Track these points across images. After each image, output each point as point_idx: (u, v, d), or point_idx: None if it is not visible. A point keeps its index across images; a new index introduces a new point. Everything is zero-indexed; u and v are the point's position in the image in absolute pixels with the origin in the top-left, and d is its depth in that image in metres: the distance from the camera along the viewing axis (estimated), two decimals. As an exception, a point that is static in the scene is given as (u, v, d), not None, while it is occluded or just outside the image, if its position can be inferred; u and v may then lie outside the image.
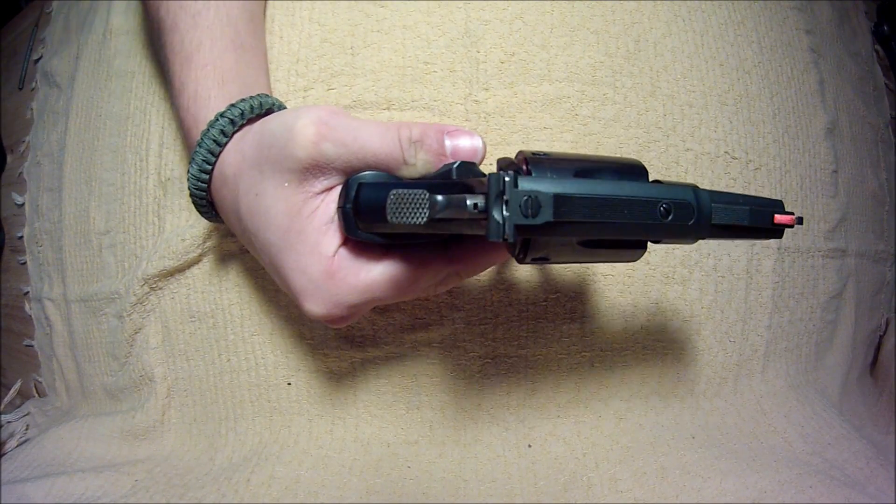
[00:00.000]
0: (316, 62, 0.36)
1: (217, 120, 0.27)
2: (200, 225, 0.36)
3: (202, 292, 0.37)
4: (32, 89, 0.50)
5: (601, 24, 0.37)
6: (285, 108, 0.30)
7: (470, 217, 0.19)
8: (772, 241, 0.40)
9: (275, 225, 0.25)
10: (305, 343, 0.37)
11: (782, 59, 0.42)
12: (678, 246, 0.38)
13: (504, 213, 0.18)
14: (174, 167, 0.38)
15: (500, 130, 0.35)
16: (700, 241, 0.38)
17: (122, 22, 0.43)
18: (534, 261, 0.22)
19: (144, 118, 0.40)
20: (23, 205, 0.48)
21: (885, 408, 0.45)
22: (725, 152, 0.39)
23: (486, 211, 0.18)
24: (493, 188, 0.18)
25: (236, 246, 0.37)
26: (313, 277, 0.25)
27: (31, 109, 0.49)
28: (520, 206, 0.18)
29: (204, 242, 0.36)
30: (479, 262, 0.26)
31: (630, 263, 0.37)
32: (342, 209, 0.25)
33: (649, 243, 0.25)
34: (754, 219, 0.23)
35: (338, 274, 0.25)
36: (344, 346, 0.37)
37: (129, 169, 0.40)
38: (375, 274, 0.25)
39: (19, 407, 0.46)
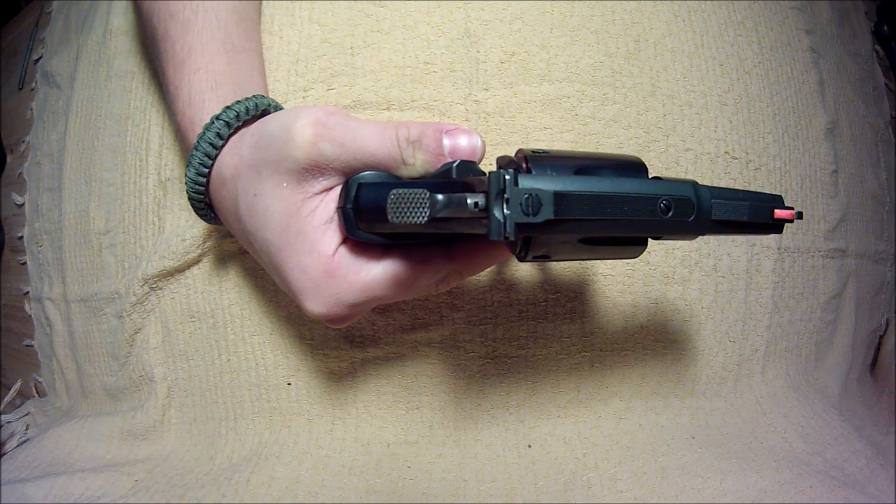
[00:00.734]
0: (316, 62, 0.36)
1: (213, 123, 0.27)
2: (200, 225, 0.36)
3: (202, 292, 0.37)
4: (32, 89, 0.50)
5: (601, 24, 0.37)
6: (282, 108, 0.30)
7: (470, 216, 0.19)
8: (772, 241, 0.40)
9: (274, 225, 0.25)
10: (305, 343, 0.37)
11: (782, 59, 0.42)
12: (678, 244, 0.38)
13: (505, 211, 0.18)
14: (174, 167, 0.38)
15: (499, 130, 0.35)
16: (700, 240, 0.38)
17: (122, 22, 0.43)
18: (535, 259, 0.22)
19: (144, 118, 0.40)
20: (23, 205, 0.48)
21: (885, 408, 0.45)
22: (725, 152, 0.39)
23: (487, 209, 0.18)
24: (494, 186, 0.18)
25: (236, 246, 0.37)
26: (313, 277, 0.25)
27: (31, 109, 0.49)
28: (520, 204, 0.18)
29: (204, 242, 0.36)
30: (480, 260, 0.26)
31: (630, 263, 0.37)
32: (342, 209, 0.25)
33: (650, 240, 0.25)
34: (754, 214, 0.23)
35: (337, 273, 0.25)
36: (344, 346, 0.37)
37: (129, 169, 0.40)
38: (375, 273, 0.25)
39: (19, 407, 0.46)
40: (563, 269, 0.36)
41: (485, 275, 0.36)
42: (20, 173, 0.49)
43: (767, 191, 0.40)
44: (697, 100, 0.38)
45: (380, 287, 0.25)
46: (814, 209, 0.43)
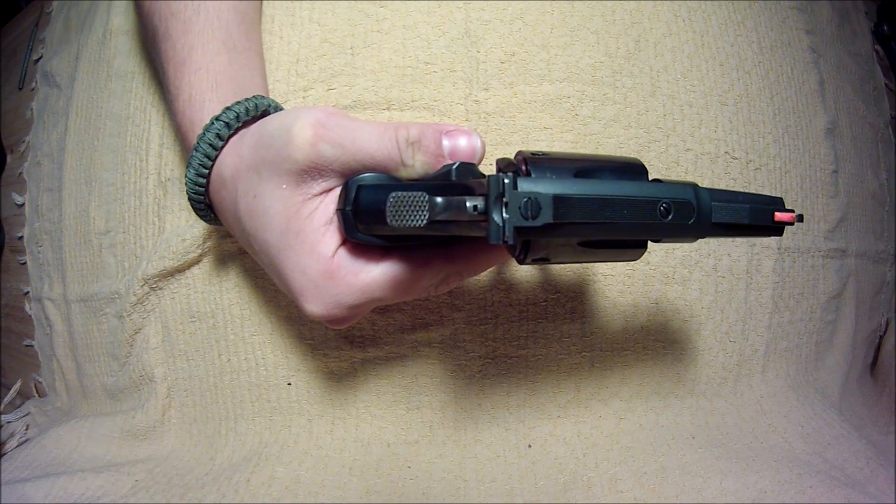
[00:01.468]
0: (316, 62, 0.36)
1: (212, 123, 0.27)
2: (200, 225, 0.36)
3: (202, 292, 0.37)
4: (32, 89, 0.50)
5: (601, 24, 0.37)
6: (282, 108, 0.30)
7: (470, 219, 0.19)
8: (772, 241, 0.40)
9: (273, 226, 0.25)
10: (305, 343, 0.37)
11: (782, 59, 0.42)
12: (678, 245, 0.38)
13: (504, 215, 0.18)
14: (174, 167, 0.38)
15: (500, 130, 0.35)
16: (700, 240, 0.38)
17: (122, 22, 0.43)
18: (534, 261, 0.22)
19: (144, 118, 0.40)
20: (23, 205, 0.48)
21: (885, 408, 0.45)
22: (725, 152, 0.39)
23: (486, 213, 0.18)
24: (493, 190, 0.18)
25: (236, 246, 0.37)
26: (313, 278, 0.25)
27: (31, 109, 0.49)
28: (519, 208, 0.18)
29: (204, 242, 0.36)
30: (480, 262, 0.26)
31: (630, 263, 0.37)
32: (341, 211, 0.25)
33: (649, 242, 0.25)
34: (754, 217, 0.23)
35: (337, 274, 0.25)
36: (344, 346, 0.37)
37: (129, 169, 0.40)
38: (375, 274, 0.25)
39: (19, 407, 0.46)
40: (563, 269, 0.36)
41: (485, 275, 0.36)
42: (20, 173, 0.49)
43: (767, 191, 0.40)
44: (697, 100, 0.38)
45: (379, 288, 0.25)
46: (814, 209, 0.43)
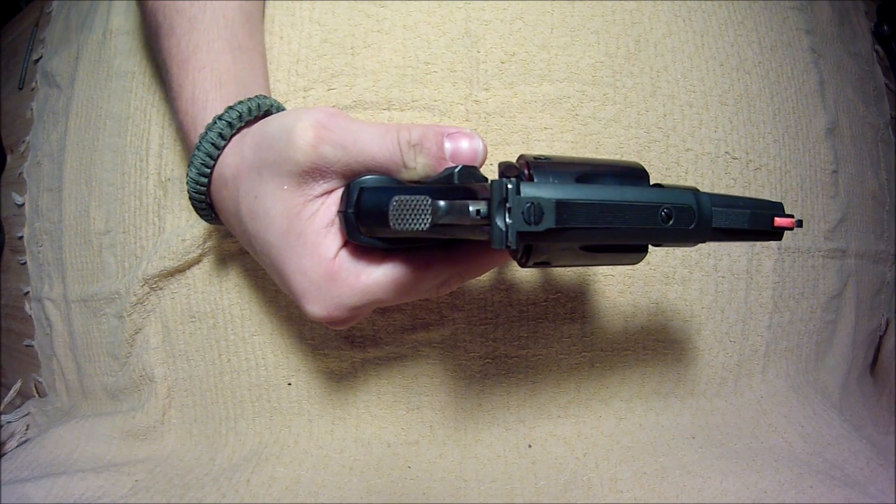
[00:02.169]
0: (316, 62, 0.36)
1: (215, 123, 0.27)
2: (200, 225, 0.36)
3: (202, 292, 0.37)
4: (32, 89, 0.50)
5: (601, 24, 0.37)
6: (284, 108, 0.30)
7: (472, 223, 0.19)
8: (772, 241, 0.40)
9: (275, 227, 0.25)
10: (306, 343, 0.37)
11: (782, 59, 0.42)
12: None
13: (507, 220, 0.18)
14: (174, 167, 0.38)
15: (500, 131, 0.35)
16: (700, 244, 0.38)
17: (122, 22, 0.43)
18: (536, 265, 0.22)
19: (144, 118, 0.40)
20: (23, 205, 0.48)
21: (885, 408, 0.45)
22: (725, 152, 0.39)
23: (489, 217, 0.18)
24: (496, 195, 0.18)
25: (236, 246, 0.37)
26: (314, 280, 0.25)
27: (31, 109, 0.49)
28: (522, 213, 0.18)
29: (204, 243, 0.36)
30: (481, 264, 0.26)
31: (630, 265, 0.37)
32: (343, 214, 0.25)
33: (650, 246, 0.25)
34: (754, 222, 0.23)
35: (339, 276, 0.25)
36: (344, 346, 0.37)
37: (129, 169, 0.40)
38: (377, 276, 0.25)
39: (19, 407, 0.46)
40: (564, 270, 0.36)
41: (485, 276, 0.36)
42: (20, 173, 0.49)
43: (767, 191, 0.40)
44: (698, 100, 0.38)
45: (381, 290, 0.25)
46: (814, 209, 0.43)
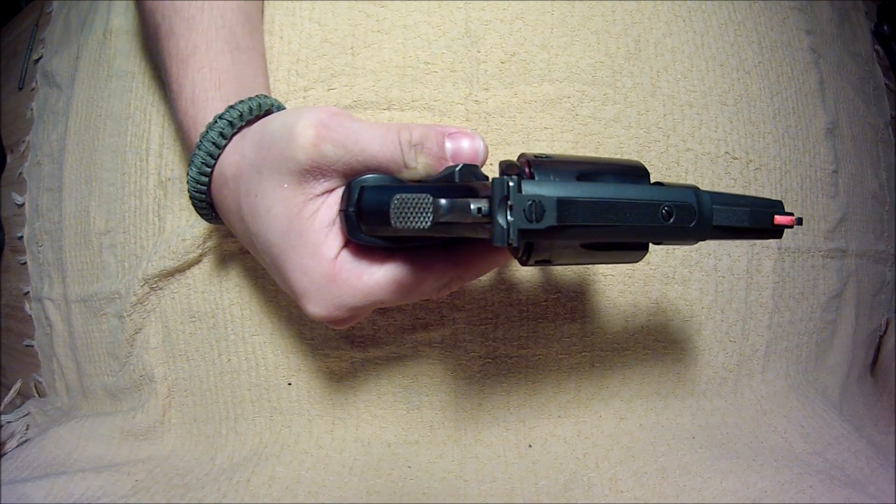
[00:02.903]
0: (316, 62, 0.36)
1: (216, 122, 0.27)
2: (200, 225, 0.36)
3: (202, 292, 0.37)
4: (32, 89, 0.50)
5: (601, 24, 0.37)
6: (284, 108, 0.30)
7: (474, 221, 0.19)
8: (772, 241, 0.40)
9: (275, 226, 0.25)
10: (306, 343, 0.37)
11: (782, 59, 0.42)
12: (679, 246, 0.38)
13: (508, 217, 0.18)
14: (174, 167, 0.38)
15: (500, 130, 0.35)
16: (700, 242, 0.38)
17: (122, 22, 0.43)
18: (537, 263, 0.22)
19: (144, 118, 0.40)
20: (23, 205, 0.48)
21: (885, 408, 0.45)
22: (726, 152, 0.39)
23: (490, 215, 0.18)
24: (497, 193, 0.18)
25: (236, 246, 0.37)
26: (315, 279, 0.25)
27: (31, 109, 0.49)
28: (524, 210, 0.18)
29: (204, 242, 0.36)
30: (483, 264, 0.26)
31: (631, 264, 0.37)
32: (344, 212, 0.25)
33: (651, 244, 0.25)
34: (755, 220, 0.23)
35: (340, 276, 0.25)
36: (344, 346, 0.37)
37: (129, 169, 0.40)
38: (378, 277, 0.25)
39: (19, 407, 0.46)
40: (564, 269, 0.36)
41: (486, 276, 0.36)
42: (20, 173, 0.49)
43: (768, 191, 0.40)
44: (698, 100, 0.38)
45: (382, 291, 0.25)
46: (814, 209, 0.43)
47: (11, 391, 0.48)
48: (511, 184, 0.18)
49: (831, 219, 0.44)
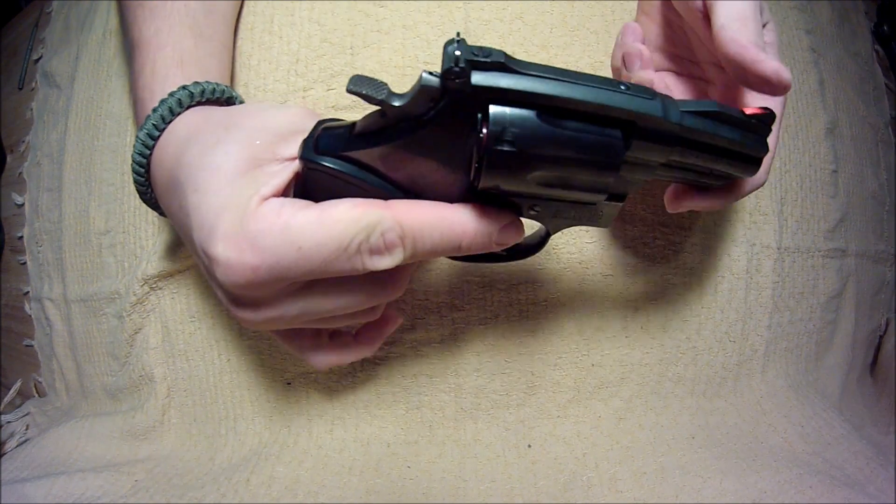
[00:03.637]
0: (316, 62, 0.36)
1: (178, 90, 0.26)
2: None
3: (202, 292, 0.37)
4: (32, 89, 0.50)
5: (601, 24, 0.37)
6: (244, 101, 0.30)
7: (426, 84, 0.19)
8: (772, 241, 0.40)
9: (213, 161, 0.23)
10: (305, 343, 0.37)
11: (782, 59, 0.42)
12: (677, 245, 0.38)
13: (457, 52, 0.19)
14: (174, 167, 0.38)
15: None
16: (700, 240, 0.38)
17: (122, 22, 0.43)
18: (485, 189, 0.21)
19: (144, 118, 0.40)
20: (23, 205, 0.48)
21: (885, 408, 0.45)
22: (725, 152, 0.39)
23: (442, 71, 0.19)
24: (448, 50, 0.19)
25: (236, 246, 0.37)
26: (231, 203, 0.22)
27: (31, 109, 0.49)
28: (472, 52, 0.19)
29: (204, 242, 0.36)
30: (429, 222, 0.22)
31: (631, 263, 0.37)
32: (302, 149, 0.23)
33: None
34: (723, 107, 0.23)
35: (261, 210, 0.22)
36: (344, 346, 0.37)
37: (129, 169, 0.40)
38: (301, 219, 0.21)
39: (19, 407, 0.46)
40: (563, 269, 0.36)
41: (485, 273, 0.36)
42: (20, 173, 0.49)
43: (767, 191, 0.40)
44: (697, 100, 0.38)
45: (302, 236, 0.21)
46: (813, 209, 0.43)
47: (11, 391, 0.48)
48: (456, 40, 0.19)
49: (831, 219, 0.44)
